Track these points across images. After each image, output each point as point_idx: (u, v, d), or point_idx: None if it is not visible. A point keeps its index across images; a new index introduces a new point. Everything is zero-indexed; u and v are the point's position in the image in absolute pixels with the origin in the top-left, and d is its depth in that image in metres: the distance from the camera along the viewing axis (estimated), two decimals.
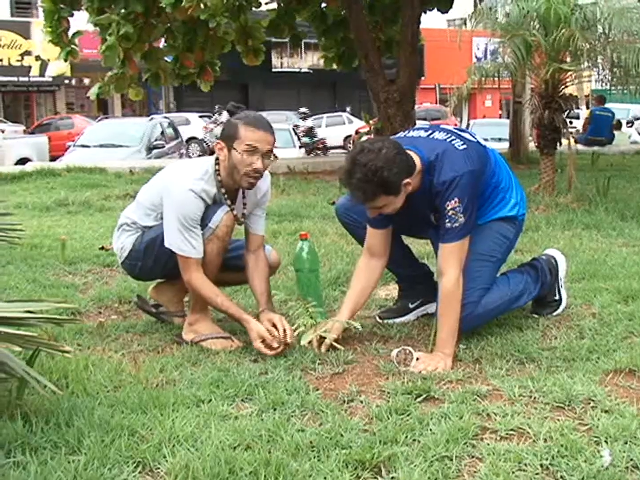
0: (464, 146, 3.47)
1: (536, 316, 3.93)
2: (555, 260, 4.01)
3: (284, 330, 3.48)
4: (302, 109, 24.51)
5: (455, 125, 22.00)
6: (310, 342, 3.51)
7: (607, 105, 17.36)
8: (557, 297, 4.00)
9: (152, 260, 3.77)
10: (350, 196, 3.53)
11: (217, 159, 3.64)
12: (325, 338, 3.50)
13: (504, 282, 3.73)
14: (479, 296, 3.53)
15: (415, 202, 3.47)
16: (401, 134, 3.76)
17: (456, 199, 3.36)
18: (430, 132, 3.61)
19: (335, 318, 3.63)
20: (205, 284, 3.60)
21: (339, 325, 3.56)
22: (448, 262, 3.42)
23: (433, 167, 3.41)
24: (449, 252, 3.43)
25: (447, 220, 3.39)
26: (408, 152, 3.39)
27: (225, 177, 3.61)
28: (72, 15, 12.27)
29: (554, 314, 3.97)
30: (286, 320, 3.57)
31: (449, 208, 3.37)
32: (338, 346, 3.49)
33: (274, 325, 3.52)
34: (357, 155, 3.29)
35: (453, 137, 3.52)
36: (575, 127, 17.21)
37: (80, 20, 12.57)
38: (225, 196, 3.67)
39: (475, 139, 3.63)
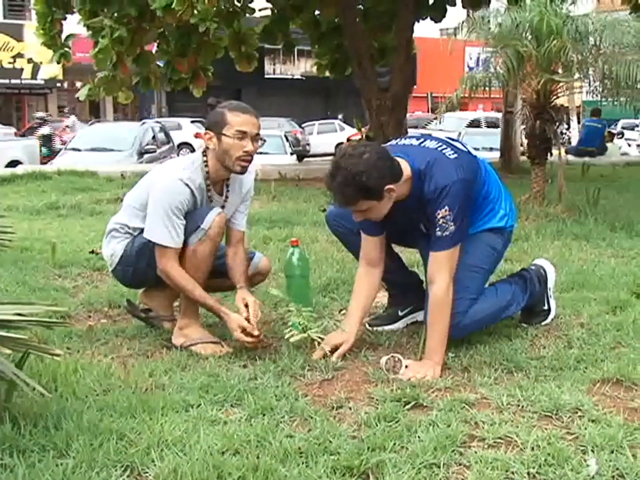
0: (455, 155, 3.48)
1: (525, 325, 3.95)
2: (545, 271, 4.03)
3: (254, 313, 3.59)
4: (39, 114, 23.51)
5: None
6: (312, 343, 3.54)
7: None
8: (546, 307, 4.01)
9: (146, 263, 3.75)
10: (333, 199, 3.54)
11: (204, 151, 3.68)
12: (314, 340, 3.52)
13: (492, 292, 3.74)
14: (466, 307, 3.53)
15: (405, 210, 3.48)
16: (393, 142, 3.78)
17: (446, 208, 3.36)
18: (421, 140, 3.62)
19: (344, 327, 3.64)
20: (182, 274, 3.61)
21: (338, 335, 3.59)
22: (438, 271, 3.43)
23: (424, 175, 3.42)
24: (439, 260, 3.44)
25: (437, 229, 3.40)
26: (397, 159, 3.41)
27: (214, 166, 3.66)
28: (65, 18, 12.26)
29: (543, 323, 3.99)
30: (259, 307, 3.66)
31: (439, 217, 3.38)
32: (324, 347, 3.51)
33: (246, 305, 3.60)
34: (340, 159, 3.33)
35: (444, 146, 3.53)
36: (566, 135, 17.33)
37: (73, 24, 12.57)
38: (209, 187, 3.70)
39: (466, 148, 3.64)
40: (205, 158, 3.68)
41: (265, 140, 3.77)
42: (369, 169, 3.24)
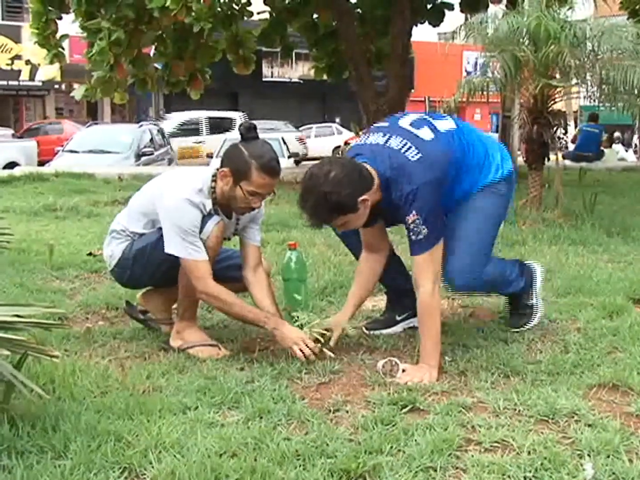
0: (419, 155, 3.40)
1: (515, 331, 3.93)
2: (534, 269, 4.07)
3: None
4: None
5: None
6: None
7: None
8: (532, 302, 4.01)
9: (141, 268, 3.77)
10: (308, 222, 3.44)
11: (214, 175, 3.63)
12: (319, 342, 3.53)
13: (501, 262, 3.86)
14: (482, 265, 3.61)
15: (391, 212, 3.49)
16: (361, 140, 3.71)
17: (414, 212, 3.36)
18: (387, 137, 3.52)
19: (338, 314, 3.69)
20: (225, 290, 3.57)
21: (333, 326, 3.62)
22: (422, 274, 3.43)
23: (390, 182, 3.41)
24: (420, 264, 3.44)
25: (411, 233, 3.41)
26: (366, 166, 3.39)
27: (221, 195, 3.61)
28: (60, 18, 12.23)
29: (530, 324, 3.97)
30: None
31: (409, 222, 3.38)
32: (329, 353, 3.51)
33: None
34: (307, 181, 3.33)
35: (408, 144, 3.44)
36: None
37: (68, 24, 12.54)
38: (218, 211, 3.66)
39: (436, 129, 3.55)
40: (213, 184, 3.62)
41: (275, 193, 3.72)
42: (336, 186, 3.24)
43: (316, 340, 3.51)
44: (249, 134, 3.57)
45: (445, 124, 3.62)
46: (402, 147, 3.45)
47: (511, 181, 3.80)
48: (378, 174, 3.41)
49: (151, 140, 17.90)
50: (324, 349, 3.51)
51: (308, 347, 3.45)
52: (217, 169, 3.62)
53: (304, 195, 3.31)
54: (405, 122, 3.61)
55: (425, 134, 3.52)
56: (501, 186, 3.70)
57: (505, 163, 3.74)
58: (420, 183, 3.36)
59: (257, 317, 3.59)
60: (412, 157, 3.42)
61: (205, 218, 3.58)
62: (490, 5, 13.42)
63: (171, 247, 3.54)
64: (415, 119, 3.62)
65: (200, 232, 3.55)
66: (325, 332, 3.56)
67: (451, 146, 3.55)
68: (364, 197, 3.32)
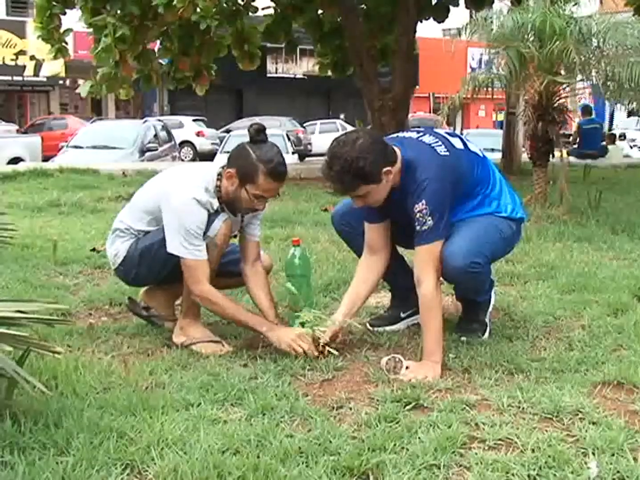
0: (446, 153, 3.50)
1: (526, 327, 3.93)
2: (494, 290, 4.07)
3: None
4: None
5: None
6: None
7: None
8: (485, 319, 3.90)
9: (147, 266, 3.75)
10: (332, 188, 3.56)
11: (219, 174, 3.62)
12: (319, 339, 3.51)
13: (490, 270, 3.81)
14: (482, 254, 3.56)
15: (401, 205, 3.49)
16: (393, 135, 3.81)
17: (423, 202, 3.39)
18: (421, 134, 3.65)
19: (332, 318, 3.65)
20: (219, 294, 3.59)
21: (332, 326, 3.58)
22: (424, 270, 3.45)
23: (410, 166, 3.47)
24: (422, 256, 3.46)
25: (416, 223, 3.43)
26: (392, 145, 3.48)
27: (226, 194, 3.61)
28: (64, 13, 12.23)
29: (480, 338, 3.80)
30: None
31: (416, 210, 3.41)
32: (333, 351, 3.49)
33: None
34: (334, 148, 3.39)
35: (439, 143, 3.55)
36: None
37: (72, 19, 12.52)
38: (224, 209, 3.66)
39: (466, 146, 3.67)
40: (218, 183, 3.62)
41: (279, 194, 3.73)
42: (364, 153, 3.31)
43: (318, 339, 3.50)
44: (258, 136, 3.56)
45: (474, 149, 3.73)
46: (433, 143, 3.56)
47: (520, 227, 3.85)
48: (402, 156, 3.48)
49: (155, 136, 17.89)
50: (327, 348, 3.50)
51: (305, 344, 3.46)
52: (223, 167, 3.62)
53: (330, 161, 3.37)
54: (440, 130, 3.78)
55: (457, 143, 3.64)
56: (512, 223, 3.73)
57: (520, 209, 3.78)
58: (434, 176, 3.41)
59: (251, 320, 3.60)
60: (440, 151, 3.51)
61: (212, 216, 3.57)
62: (495, 1, 13.41)
63: (173, 247, 3.54)
64: (449, 132, 3.81)
65: (208, 230, 3.55)
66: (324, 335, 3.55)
67: (480, 163, 3.67)
68: (388, 168, 3.39)
